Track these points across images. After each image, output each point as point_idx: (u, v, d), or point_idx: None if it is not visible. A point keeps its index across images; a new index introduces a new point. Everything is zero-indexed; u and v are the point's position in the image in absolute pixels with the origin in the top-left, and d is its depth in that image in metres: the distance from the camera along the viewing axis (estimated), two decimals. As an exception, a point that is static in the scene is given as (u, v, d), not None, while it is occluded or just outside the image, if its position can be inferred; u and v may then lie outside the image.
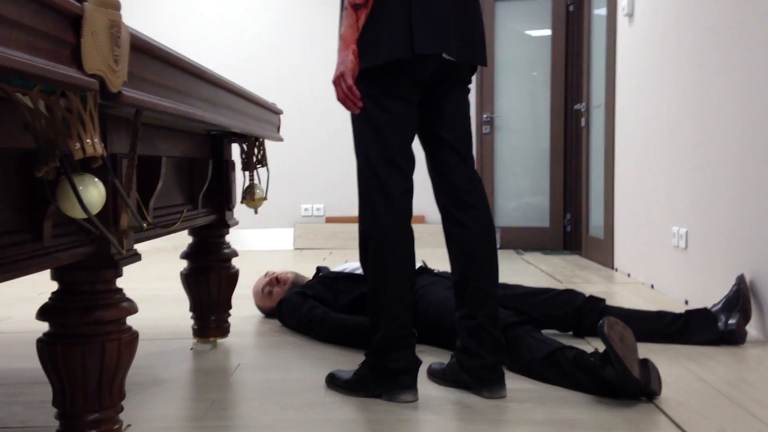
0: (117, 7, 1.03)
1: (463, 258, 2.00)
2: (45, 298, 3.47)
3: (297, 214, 6.18)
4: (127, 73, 1.13)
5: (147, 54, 1.27)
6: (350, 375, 2.04)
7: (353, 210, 6.00)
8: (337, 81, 1.86)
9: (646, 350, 2.40)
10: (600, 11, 4.90)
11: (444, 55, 1.91)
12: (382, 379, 1.96)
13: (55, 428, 1.46)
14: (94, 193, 1.11)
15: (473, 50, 1.99)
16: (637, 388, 1.88)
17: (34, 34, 0.88)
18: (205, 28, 6.11)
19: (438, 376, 2.12)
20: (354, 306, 2.76)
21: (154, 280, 4.18)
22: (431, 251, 5.39)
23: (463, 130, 2.05)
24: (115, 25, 1.03)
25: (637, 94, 4.05)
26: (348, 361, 2.35)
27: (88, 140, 1.03)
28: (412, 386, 1.95)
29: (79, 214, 1.11)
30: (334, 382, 2.07)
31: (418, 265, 2.87)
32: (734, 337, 2.48)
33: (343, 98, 1.87)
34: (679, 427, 1.73)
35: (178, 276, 2.55)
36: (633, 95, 4.12)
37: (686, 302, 3.27)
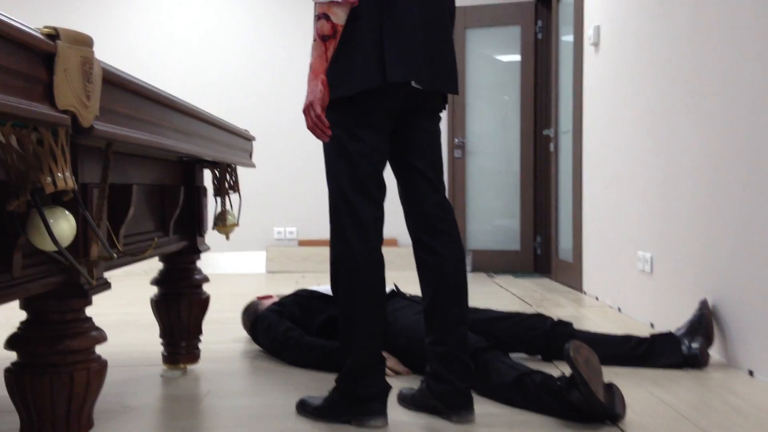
0: (89, 44, 1.05)
1: (434, 284, 2.03)
2: (12, 322, 3.43)
3: (269, 237, 6.18)
4: (99, 107, 1.15)
5: (119, 87, 1.29)
6: (320, 401, 2.05)
7: (326, 233, 5.98)
8: (307, 110, 1.89)
9: (611, 374, 2.44)
10: (567, 38, 5.01)
11: (413, 83, 1.95)
12: (351, 405, 1.97)
13: (23, 458, 1.45)
14: (64, 226, 1.13)
15: (444, 78, 2.03)
16: (602, 411, 1.92)
17: (7, 73, 0.90)
18: (178, 54, 6.12)
19: (408, 401, 2.14)
20: (327, 327, 2.77)
21: (123, 305, 4.16)
22: (403, 274, 5.42)
23: (434, 158, 2.09)
24: (88, 61, 1.05)
25: (603, 121, 4.14)
26: (318, 387, 2.36)
27: (59, 174, 1.04)
28: (381, 412, 1.97)
29: (50, 247, 1.13)
30: (304, 408, 2.08)
31: (389, 288, 2.89)
32: (697, 361, 2.54)
33: (312, 127, 1.90)
34: (642, 450, 1.76)
35: (147, 301, 2.55)
36: (600, 122, 4.21)
37: (652, 325, 3.34)
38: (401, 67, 1.91)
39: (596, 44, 4.26)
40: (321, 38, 1.87)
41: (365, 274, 1.95)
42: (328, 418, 2.01)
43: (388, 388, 2.00)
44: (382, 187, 2.01)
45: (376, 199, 1.99)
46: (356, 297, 1.95)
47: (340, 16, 1.85)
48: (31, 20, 1.26)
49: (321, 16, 1.85)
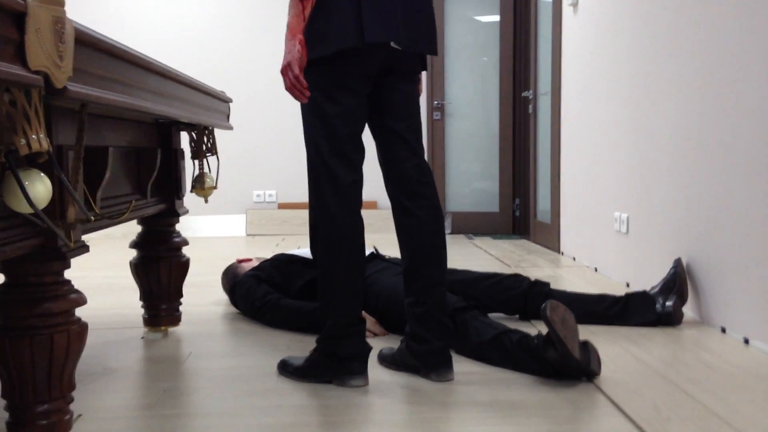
0: (61, 3, 1.03)
1: (412, 246, 2.05)
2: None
3: (249, 201, 6.16)
4: (72, 68, 1.13)
5: (92, 48, 1.27)
6: (301, 361, 2.08)
7: (306, 196, 6.01)
8: (285, 71, 1.88)
9: (587, 332, 2.49)
10: (547, -1, 4.99)
11: (392, 44, 1.94)
12: (332, 365, 2.00)
13: (5, 420, 1.46)
14: (40, 188, 1.12)
15: (422, 39, 2.01)
16: (577, 368, 1.96)
17: (-23, 33, 0.88)
18: (152, 14, 6.01)
19: (388, 360, 2.17)
20: (306, 290, 2.79)
21: (102, 268, 4.14)
22: (383, 236, 5.44)
23: (412, 121, 2.08)
24: (60, 21, 1.04)
25: (581, 83, 4.15)
26: (299, 348, 2.38)
27: (33, 136, 1.04)
28: (362, 371, 2.00)
29: (26, 209, 1.12)
30: (285, 368, 2.10)
31: (369, 251, 2.91)
32: (671, 319, 2.59)
33: (291, 88, 1.89)
34: (616, 405, 1.81)
35: (127, 264, 2.54)
36: (577, 83, 4.22)
37: (627, 285, 3.39)
38: (379, 28, 1.90)
39: (575, 5, 4.24)
40: None
41: (343, 237, 1.96)
42: (309, 378, 2.03)
43: (369, 348, 2.02)
44: (360, 150, 2.01)
45: (354, 162, 1.99)
46: (335, 259, 1.96)
47: None
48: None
49: None
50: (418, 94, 2.12)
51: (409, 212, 2.05)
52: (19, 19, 0.98)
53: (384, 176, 2.10)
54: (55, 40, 1.03)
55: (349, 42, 1.88)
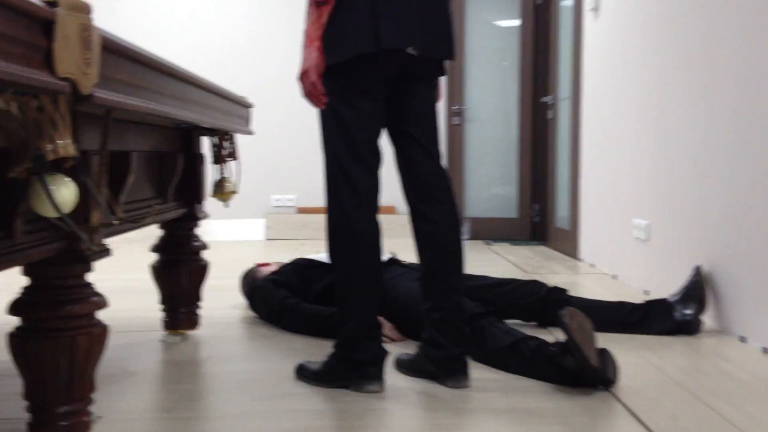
0: (88, 11, 1.05)
1: (430, 251, 2.05)
2: (13, 288, 3.46)
3: (268, 205, 6.19)
4: (98, 75, 1.15)
5: (118, 54, 1.29)
6: (319, 366, 2.09)
7: (325, 201, 6.02)
8: (302, 77, 1.90)
9: (605, 340, 2.47)
10: (567, 2, 4.97)
11: (409, 49, 1.95)
12: (349, 370, 2.01)
13: (26, 421, 1.49)
14: (65, 193, 1.14)
15: (439, 44, 2.02)
16: (594, 376, 1.95)
17: (7, 41, 0.90)
18: (175, 22, 6.06)
19: (405, 366, 2.17)
20: (324, 295, 2.80)
21: (123, 270, 4.18)
22: (401, 242, 5.44)
23: (429, 126, 2.09)
24: (87, 28, 1.06)
25: (602, 88, 4.13)
26: (316, 353, 2.39)
27: (60, 142, 1.06)
28: (378, 377, 2.00)
29: (52, 214, 1.14)
30: (302, 372, 2.12)
31: (387, 256, 2.92)
32: (690, 327, 2.57)
33: (308, 94, 1.91)
34: (633, 414, 1.80)
35: (146, 266, 2.57)
36: (598, 89, 4.21)
37: (646, 292, 3.37)
38: (396, 33, 1.91)
39: (596, 9, 4.23)
40: (315, 3, 1.87)
41: (361, 241, 1.97)
42: (325, 382, 2.04)
43: (385, 353, 2.03)
44: (377, 155, 2.02)
45: (372, 167, 2.00)
46: (352, 263, 1.97)
47: None
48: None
49: None
50: (436, 100, 2.12)
51: (426, 217, 2.06)
52: (47, 26, 1.00)
53: (401, 181, 2.11)
54: (83, 48, 1.05)
55: (366, 47, 1.89)
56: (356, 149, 1.97)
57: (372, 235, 1.99)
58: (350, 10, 1.89)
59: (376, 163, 2.01)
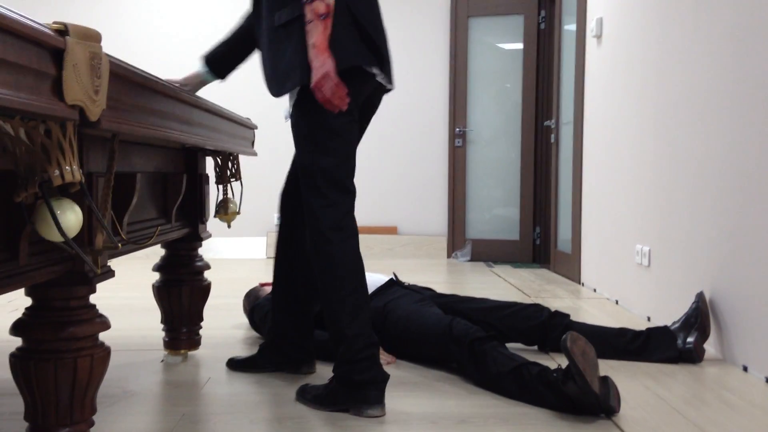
0: (98, 39, 1.06)
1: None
2: (14, 306, 3.46)
3: (270, 223, 6.20)
4: (106, 101, 1.16)
5: (125, 80, 1.30)
6: (320, 389, 2.08)
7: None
8: (321, 82, 1.92)
9: (607, 367, 2.47)
10: (570, 27, 5.01)
11: (379, 78, 2.09)
12: (349, 392, 2.00)
13: (27, 443, 1.48)
14: (71, 217, 1.15)
15: (391, 76, 2.17)
16: (596, 403, 1.95)
17: (17, 69, 0.91)
18: (180, 45, 6.11)
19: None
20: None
21: (125, 288, 4.18)
22: (402, 262, 5.44)
23: None
24: (96, 56, 1.07)
25: (603, 114, 4.15)
26: (318, 375, 2.39)
27: (66, 167, 1.06)
28: (378, 401, 2.00)
29: (57, 238, 1.15)
30: (303, 395, 2.11)
31: (388, 277, 2.92)
32: (692, 356, 2.56)
33: (331, 96, 1.94)
34: (635, 443, 1.79)
35: (149, 285, 2.57)
36: (600, 114, 4.22)
37: (648, 319, 3.36)
38: (385, 55, 2.07)
39: (598, 36, 4.26)
40: (319, 17, 1.92)
41: (344, 259, 2.02)
42: (325, 405, 2.04)
43: (386, 376, 2.02)
44: (353, 172, 2.10)
45: (349, 184, 2.07)
46: (339, 283, 2.00)
47: None
48: (32, 13, 1.28)
49: None
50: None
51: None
52: (57, 55, 1.01)
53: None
54: (92, 75, 1.06)
55: (364, 61, 2.02)
56: (336, 166, 2.03)
57: (354, 251, 2.04)
58: (334, 28, 1.96)
59: (352, 180, 2.09)
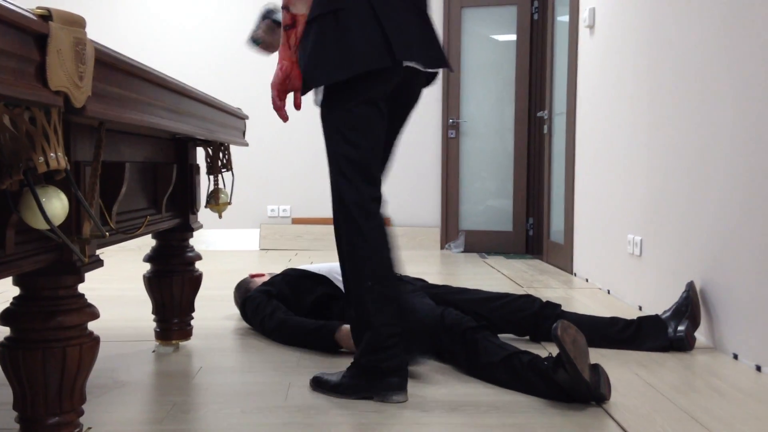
0: (82, 25, 1.06)
1: None
2: (4, 298, 3.45)
3: (263, 215, 6.19)
4: (92, 87, 1.15)
5: (111, 67, 1.29)
6: (338, 378, 2.08)
7: (319, 211, 6.03)
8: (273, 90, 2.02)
9: (598, 355, 2.48)
10: (563, 18, 5.00)
11: (412, 63, 2.01)
12: (373, 380, 2.00)
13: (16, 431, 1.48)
14: (57, 205, 1.14)
15: (440, 57, 2.11)
16: (587, 391, 1.95)
17: (0, 54, 0.91)
18: (170, 33, 6.08)
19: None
20: (317, 306, 2.80)
21: (116, 280, 4.17)
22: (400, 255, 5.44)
23: (390, 153, 2.21)
24: (81, 42, 1.06)
25: (596, 104, 4.15)
26: (309, 365, 2.39)
27: (51, 154, 1.06)
28: (402, 387, 2.00)
29: (42, 226, 1.14)
30: (321, 386, 2.10)
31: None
32: (683, 344, 2.57)
33: (274, 108, 2.04)
34: (625, 431, 1.80)
35: (140, 276, 2.57)
36: (593, 105, 4.22)
37: (640, 308, 3.37)
38: (406, 48, 1.98)
39: (591, 27, 4.25)
40: (283, 27, 1.97)
41: (373, 249, 1.99)
42: (348, 394, 2.03)
43: (408, 362, 2.04)
44: (380, 167, 2.08)
45: (377, 178, 2.05)
46: (367, 272, 1.99)
47: (298, 7, 1.96)
48: (23, 1, 1.27)
49: (283, 7, 1.97)
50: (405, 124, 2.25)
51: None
52: (41, 40, 1.00)
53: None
54: (76, 61, 1.05)
55: (378, 62, 1.95)
56: (363, 161, 2.02)
57: (384, 240, 2.02)
58: (348, 28, 1.94)
59: (380, 175, 2.08)
